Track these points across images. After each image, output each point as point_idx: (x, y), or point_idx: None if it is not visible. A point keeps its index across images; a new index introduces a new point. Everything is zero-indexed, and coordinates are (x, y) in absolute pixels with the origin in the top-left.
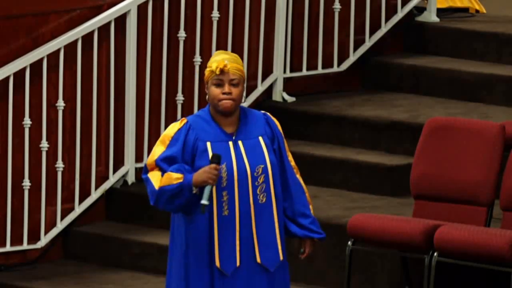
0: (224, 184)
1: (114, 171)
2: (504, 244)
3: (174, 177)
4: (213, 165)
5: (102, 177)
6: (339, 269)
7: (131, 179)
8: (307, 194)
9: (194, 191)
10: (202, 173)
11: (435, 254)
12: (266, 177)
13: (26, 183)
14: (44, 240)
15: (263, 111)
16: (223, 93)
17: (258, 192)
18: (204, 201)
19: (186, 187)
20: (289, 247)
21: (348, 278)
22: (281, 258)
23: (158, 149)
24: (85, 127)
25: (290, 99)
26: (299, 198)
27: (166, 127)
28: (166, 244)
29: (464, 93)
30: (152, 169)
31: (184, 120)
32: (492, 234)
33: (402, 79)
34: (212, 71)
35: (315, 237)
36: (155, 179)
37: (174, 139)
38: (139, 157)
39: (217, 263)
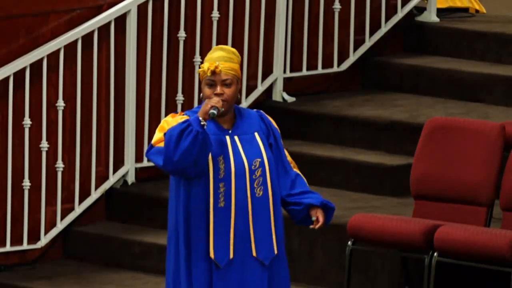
0: (222, 176)
1: (114, 171)
2: (504, 244)
3: (180, 117)
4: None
5: (102, 177)
6: (339, 269)
7: (131, 179)
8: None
9: (202, 123)
10: (204, 104)
11: (435, 254)
12: (263, 171)
13: (26, 183)
14: (44, 240)
15: (255, 110)
16: (215, 94)
17: (255, 186)
18: (211, 111)
19: (194, 121)
20: (289, 245)
21: (348, 278)
22: (276, 252)
23: (161, 132)
24: (85, 127)
25: (290, 99)
26: (304, 184)
27: None
28: (166, 244)
29: (464, 93)
30: (157, 144)
31: (182, 113)
32: (492, 234)
33: (402, 79)
34: (204, 72)
35: (331, 206)
36: (162, 144)
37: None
38: (139, 157)
39: (211, 255)
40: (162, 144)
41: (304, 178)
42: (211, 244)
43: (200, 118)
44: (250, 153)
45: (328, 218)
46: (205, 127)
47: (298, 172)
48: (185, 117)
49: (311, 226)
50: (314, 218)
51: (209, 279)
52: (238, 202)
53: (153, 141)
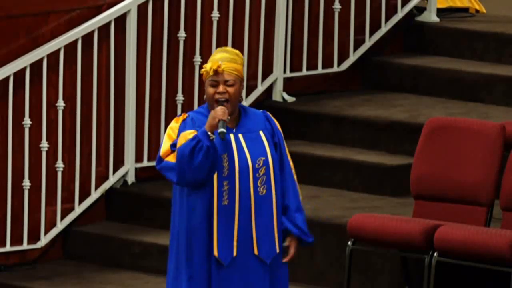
0: (226, 174)
1: (114, 171)
2: (504, 244)
3: (188, 133)
4: (217, 107)
5: (102, 177)
6: (339, 269)
7: (131, 179)
8: (300, 196)
9: (211, 138)
10: (210, 117)
11: (435, 254)
12: (267, 169)
13: (26, 183)
14: (44, 240)
15: (261, 110)
16: (217, 92)
17: (258, 184)
18: (220, 129)
19: (202, 135)
20: None
21: (348, 278)
22: (278, 251)
23: (169, 140)
24: (85, 127)
25: (290, 99)
26: (295, 196)
27: (166, 127)
28: (166, 244)
29: (464, 93)
30: (166, 157)
31: (186, 115)
32: (492, 234)
33: (402, 79)
34: (207, 72)
35: (309, 241)
36: (171, 158)
37: (181, 129)
38: (139, 157)
39: (215, 253)
40: (171, 158)
41: (298, 188)
42: (215, 243)
43: (208, 133)
44: (254, 151)
45: (302, 245)
46: (213, 140)
47: (295, 180)
48: (193, 132)
49: (283, 260)
50: (285, 244)
51: (211, 279)
52: (242, 200)
53: (161, 153)
